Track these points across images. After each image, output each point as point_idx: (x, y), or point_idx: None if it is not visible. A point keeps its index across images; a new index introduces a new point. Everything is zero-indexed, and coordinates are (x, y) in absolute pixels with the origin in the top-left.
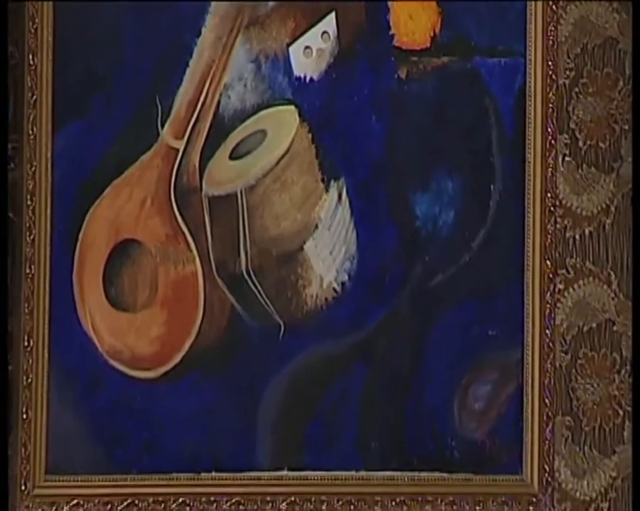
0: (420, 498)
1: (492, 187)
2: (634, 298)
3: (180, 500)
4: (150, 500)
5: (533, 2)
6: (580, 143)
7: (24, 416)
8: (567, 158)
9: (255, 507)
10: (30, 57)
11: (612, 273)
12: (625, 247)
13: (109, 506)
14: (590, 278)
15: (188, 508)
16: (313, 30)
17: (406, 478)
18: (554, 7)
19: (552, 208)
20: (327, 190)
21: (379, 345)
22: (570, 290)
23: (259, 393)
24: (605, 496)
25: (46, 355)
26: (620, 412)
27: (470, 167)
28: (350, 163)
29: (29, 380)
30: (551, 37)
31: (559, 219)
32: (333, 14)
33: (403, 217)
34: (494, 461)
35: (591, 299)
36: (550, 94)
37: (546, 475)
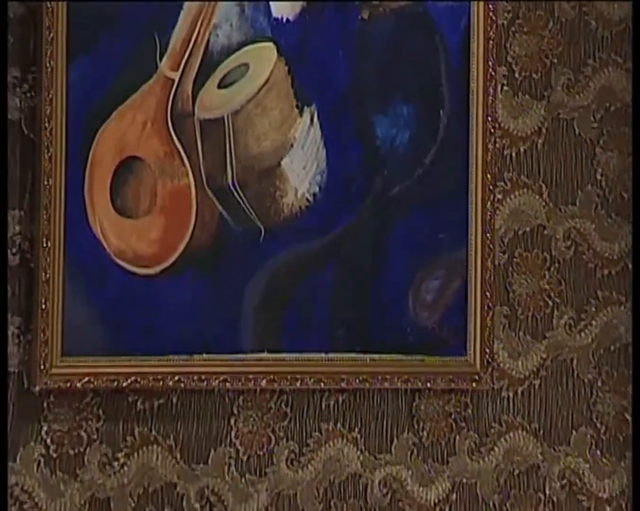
0: (380, 377)
1: (441, 112)
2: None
3: (176, 377)
4: (150, 378)
5: None
6: (516, 75)
7: (43, 306)
8: (505, 88)
9: (239, 384)
10: (48, 2)
11: (543, 185)
12: (554, 163)
13: (115, 383)
14: (525, 190)
15: (182, 384)
16: None
17: (368, 359)
18: None
19: (492, 130)
20: (300, 115)
21: (346, 247)
22: (508, 199)
23: (243, 287)
24: (537, 374)
25: (62, 254)
26: (550, 303)
27: (422, 95)
28: (320, 91)
29: (47, 275)
30: None
31: (497, 139)
32: None
33: (366, 137)
34: (443, 345)
35: (525, 207)
36: (491, 33)
37: (487, 356)
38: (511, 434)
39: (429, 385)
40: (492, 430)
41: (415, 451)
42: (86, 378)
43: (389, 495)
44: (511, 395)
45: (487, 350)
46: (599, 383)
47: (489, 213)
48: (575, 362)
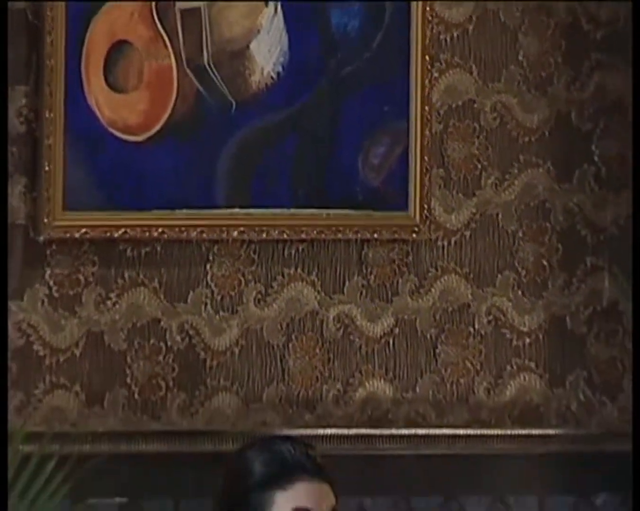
0: (334, 229)
1: (386, 3)
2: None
3: (160, 229)
4: (138, 229)
5: None
6: None
7: (46, 168)
8: None
9: (214, 235)
10: None
11: (473, 65)
12: (482, 46)
13: (108, 234)
14: (457, 69)
15: (165, 235)
16: None
17: (324, 214)
18: None
19: (429, 18)
20: (266, 5)
21: (305, 119)
22: (443, 77)
23: (217, 152)
24: (468, 226)
25: (62, 124)
26: (479, 166)
27: None
28: None
29: (49, 142)
30: None
31: (434, 26)
32: None
33: (322, 25)
34: (388, 202)
35: (458, 84)
36: None
37: (425, 211)
38: (445, 277)
39: (375, 235)
40: (429, 274)
41: (363, 292)
42: (83, 230)
43: (342, 330)
44: (445, 244)
45: (425, 206)
46: (520, 234)
47: (427, 89)
48: (500, 216)
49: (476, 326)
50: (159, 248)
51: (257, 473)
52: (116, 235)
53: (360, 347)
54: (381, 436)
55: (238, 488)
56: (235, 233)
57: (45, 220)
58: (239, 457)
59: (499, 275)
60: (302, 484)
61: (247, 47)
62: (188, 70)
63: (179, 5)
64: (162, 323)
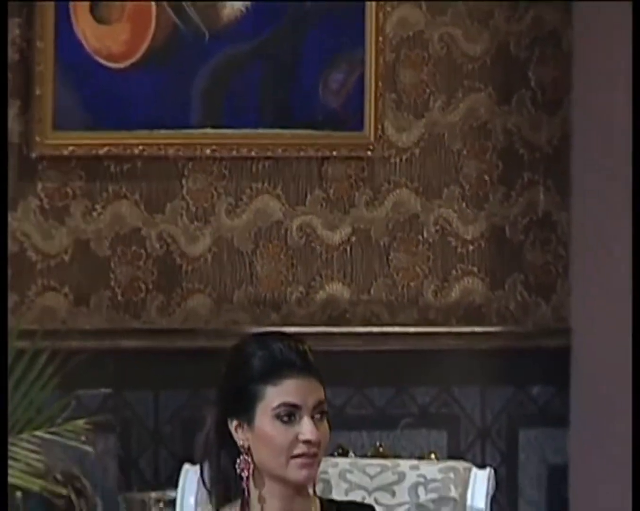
0: (297, 147)
1: None
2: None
3: (140, 147)
4: (121, 147)
5: None
6: None
7: (38, 93)
8: None
9: (189, 153)
10: None
11: (422, 1)
12: None
13: (94, 151)
14: (408, 5)
15: (145, 153)
16: None
17: (288, 134)
18: None
19: None
20: None
21: (272, 47)
22: (396, 11)
23: (192, 78)
24: (417, 145)
25: (52, 52)
26: (427, 90)
27: None
28: None
29: (41, 68)
30: None
31: None
32: None
33: None
34: (345, 123)
35: (409, 17)
36: None
37: (379, 131)
38: (397, 191)
39: (334, 153)
40: (383, 188)
41: (323, 204)
42: (71, 148)
43: (304, 238)
44: (397, 161)
45: (379, 127)
46: (464, 152)
47: (380, 21)
48: (446, 135)
49: (425, 235)
50: (139, 165)
51: (251, 368)
52: (101, 152)
53: (320, 254)
54: (339, 333)
55: (235, 381)
56: (208, 151)
57: (37, 139)
58: (236, 353)
59: (445, 189)
60: (290, 381)
61: None
62: (165, 4)
63: None
64: (142, 232)
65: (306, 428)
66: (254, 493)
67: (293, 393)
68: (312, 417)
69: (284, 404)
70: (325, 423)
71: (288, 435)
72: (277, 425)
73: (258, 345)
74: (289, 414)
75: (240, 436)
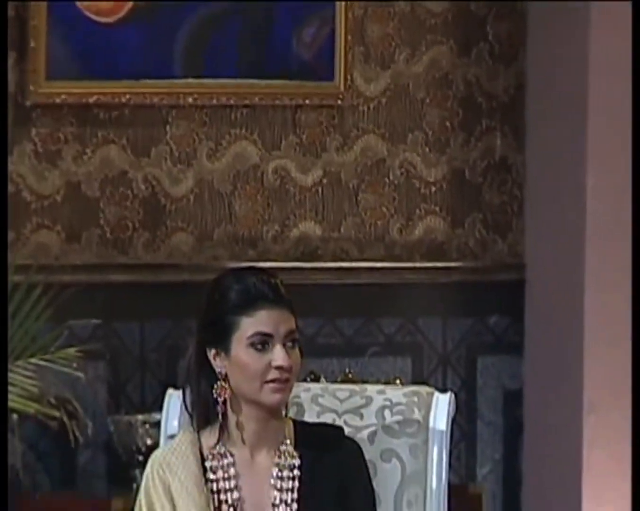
0: (272, 96)
1: None
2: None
3: (127, 96)
4: (109, 96)
5: None
6: None
7: (32, 45)
8: None
9: (172, 101)
10: None
11: None
12: None
13: (84, 100)
14: None
15: (132, 101)
16: None
17: (264, 84)
18: None
19: None
20: None
21: (249, 5)
22: None
23: (175, 32)
24: (384, 94)
25: (45, 8)
26: (392, 44)
27: None
28: None
29: (35, 22)
30: None
31: None
32: None
33: None
34: (317, 73)
35: None
36: None
37: (348, 81)
38: (365, 137)
39: (307, 102)
40: (352, 134)
41: (297, 149)
42: (63, 96)
43: (279, 180)
44: (365, 109)
45: (349, 77)
46: (427, 101)
47: None
48: (410, 85)
49: (391, 177)
50: (126, 112)
51: (227, 301)
52: (91, 100)
53: (294, 195)
54: (311, 268)
55: (213, 313)
56: (190, 100)
57: (31, 88)
58: (214, 287)
59: (410, 135)
60: (263, 312)
61: None
62: None
63: None
64: (129, 174)
65: (278, 355)
66: (231, 417)
67: (266, 323)
68: (284, 345)
69: (258, 333)
70: (296, 351)
71: (261, 362)
72: (251, 352)
73: (234, 280)
74: (262, 342)
75: (218, 364)
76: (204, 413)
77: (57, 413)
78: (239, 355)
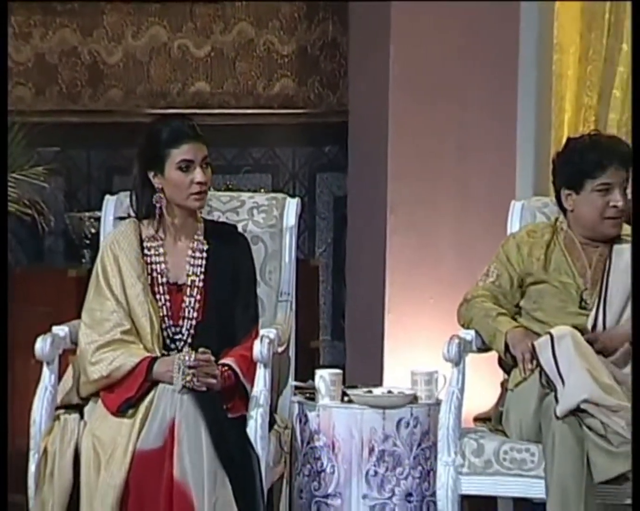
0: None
1: None
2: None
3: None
4: None
5: None
6: None
7: None
8: None
9: None
10: None
11: None
12: None
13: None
14: None
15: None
16: None
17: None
18: None
19: None
20: None
21: None
22: None
23: None
24: None
25: None
26: None
27: None
28: None
29: None
30: None
31: None
32: None
33: None
34: None
35: None
36: None
37: None
38: (240, 23)
39: None
40: (231, 22)
41: (194, 32)
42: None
43: (181, 53)
44: (240, 4)
45: None
46: None
47: None
48: None
49: (257, 52)
50: (76, 6)
51: (161, 138)
52: (59, 8)
53: (192, 63)
54: (204, 114)
55: (151, 147)
56: None
57: None
58: (152, 128)
59: (270, 23)
60: (186, 145)
61: None
62: None
63: None
64: (78, 48)
65: (198, 174)
66: (166, 216)
67: (188, 153)
68: (201, 167)
69: (183, 160)
70: (209, 170)
71: (186, 180)
72: (179, 173)
73: (165, 124)
74: (186, 166)
75: (157, 182)
76: (146, 210)
77: (29, 211)
78: (171, 175)
